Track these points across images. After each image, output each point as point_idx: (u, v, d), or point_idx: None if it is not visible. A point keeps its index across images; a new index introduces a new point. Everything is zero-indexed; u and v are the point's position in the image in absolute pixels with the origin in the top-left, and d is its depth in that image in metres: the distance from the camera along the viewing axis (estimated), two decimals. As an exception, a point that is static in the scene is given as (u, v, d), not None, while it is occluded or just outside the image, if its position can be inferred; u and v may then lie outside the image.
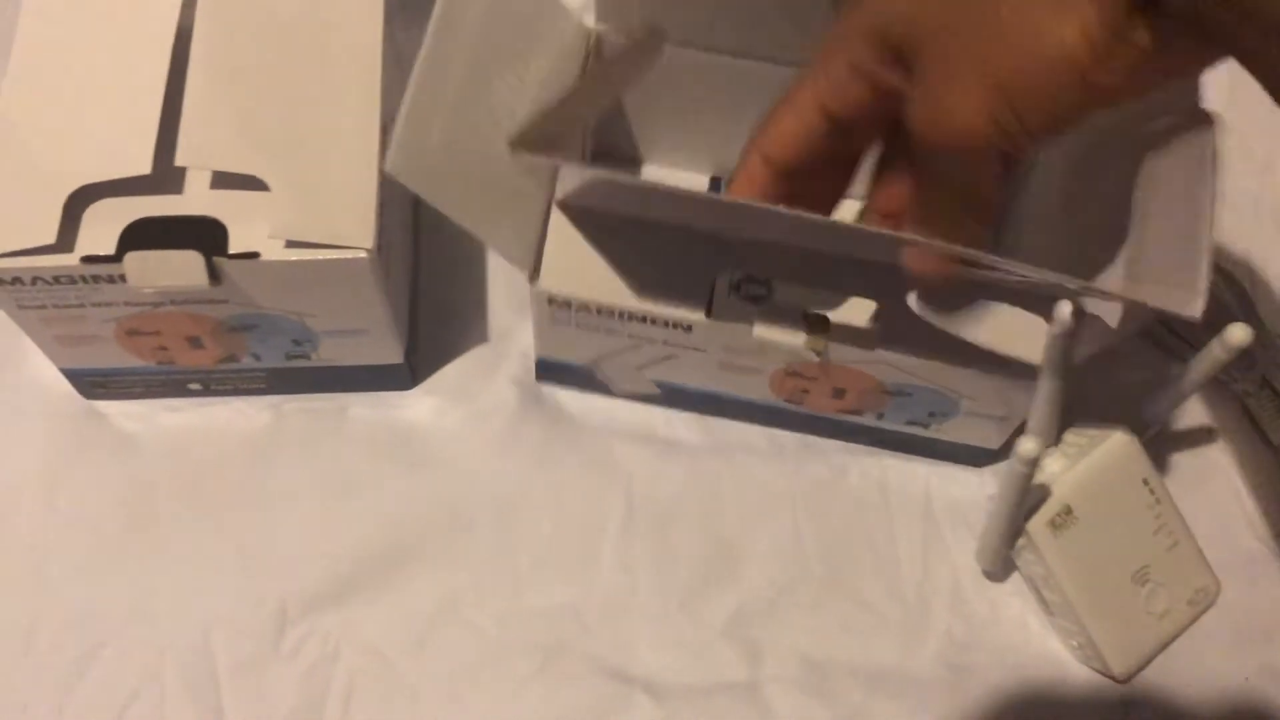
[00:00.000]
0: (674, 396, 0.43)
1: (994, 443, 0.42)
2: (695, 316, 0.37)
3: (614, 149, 0.46)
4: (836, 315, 0.36)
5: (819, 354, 0.37)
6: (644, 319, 0.37)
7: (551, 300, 0.37)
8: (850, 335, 0.36)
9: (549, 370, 0.43)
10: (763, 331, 0.37)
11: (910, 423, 0.41)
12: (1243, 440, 0.44)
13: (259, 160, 0.35)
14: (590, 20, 0.40)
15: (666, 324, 0.37)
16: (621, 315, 0.37)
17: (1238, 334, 0.34)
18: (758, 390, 0.41)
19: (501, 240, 0.35)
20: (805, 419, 0.42)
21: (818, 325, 0.36)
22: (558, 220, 0.37)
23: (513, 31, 0.37)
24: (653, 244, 0.37)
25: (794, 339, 0.37)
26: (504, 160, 0.35)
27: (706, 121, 0.43)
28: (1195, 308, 0.31)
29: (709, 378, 0.40)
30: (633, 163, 0.46)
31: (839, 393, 0.40)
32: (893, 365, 0.37)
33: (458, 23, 0.35)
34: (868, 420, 0.41)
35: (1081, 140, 0.36)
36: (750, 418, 0.43)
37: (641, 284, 0.37)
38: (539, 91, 0.37)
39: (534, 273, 0.36)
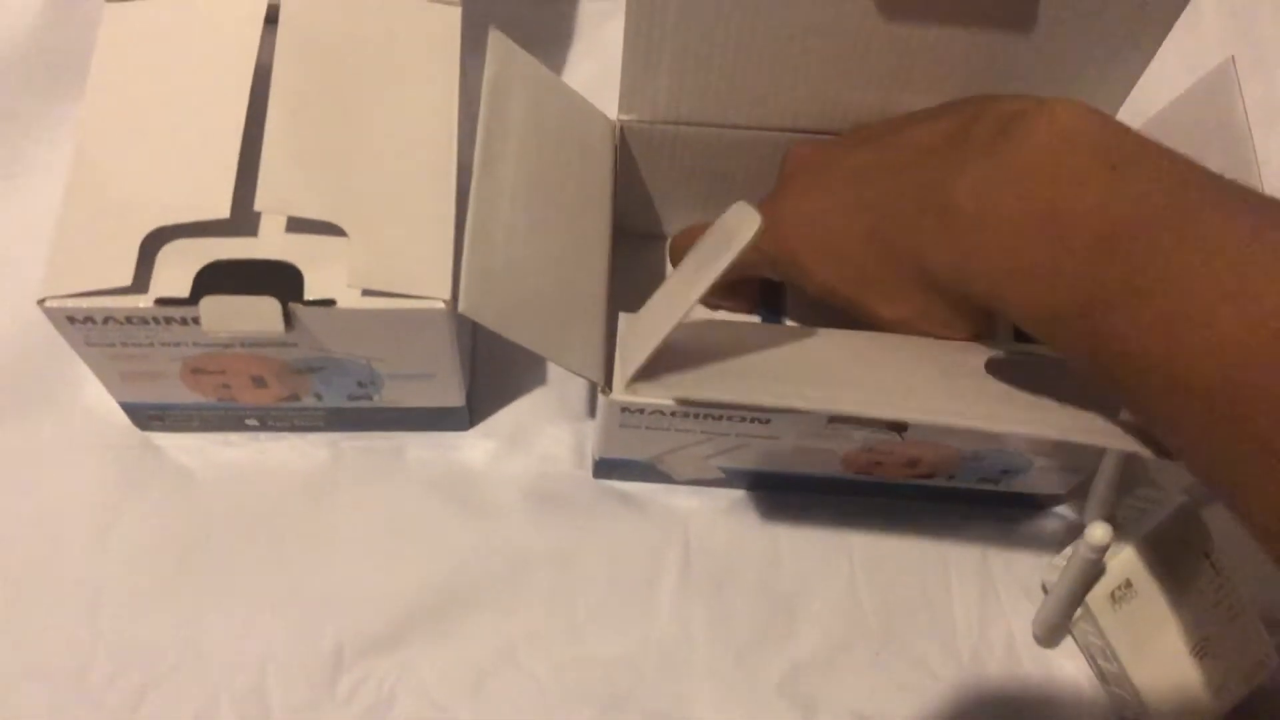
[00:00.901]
0: (738, 478, 0.42)
1: (1061, 489, 0.42)
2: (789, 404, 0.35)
3: (636, 226, 0.45)
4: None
5: (900, 432, 0.37)
6: (720, 416, 0.37)
7: (625, 409, 0.36)
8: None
9: (607, 467, 0.42)
10: (839, 423, 0.36)
11: (982, 480, 0.41)
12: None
13: (336, 207, 0.35)
14: (613, 113, 0.40)
15: (744, 419, 0.37)
16: (697, 415, 0.37)
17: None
18: (829, 467, 0.40)
19: (573, 359, 0.35)
20: (875, 486, 0.42)
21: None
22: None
23: (552, 138, 0.38)
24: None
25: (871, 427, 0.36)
26: (562, 276, 0.36)
27: (720, 189, 0.43)
28: None
29: (780, 462, 0.40)
30: (655, 238, 0.46)
31: (913, 462, 0.40)
32: (975, 434, 0.37)
33: (502, 143, 0.35)
34: (939, 482, 0.41)
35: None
36: (819, 489, 0.43)
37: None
38: (578, 192, 0.38)
39: (605, 385, 0.36)
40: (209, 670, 0.39)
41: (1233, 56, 0.38)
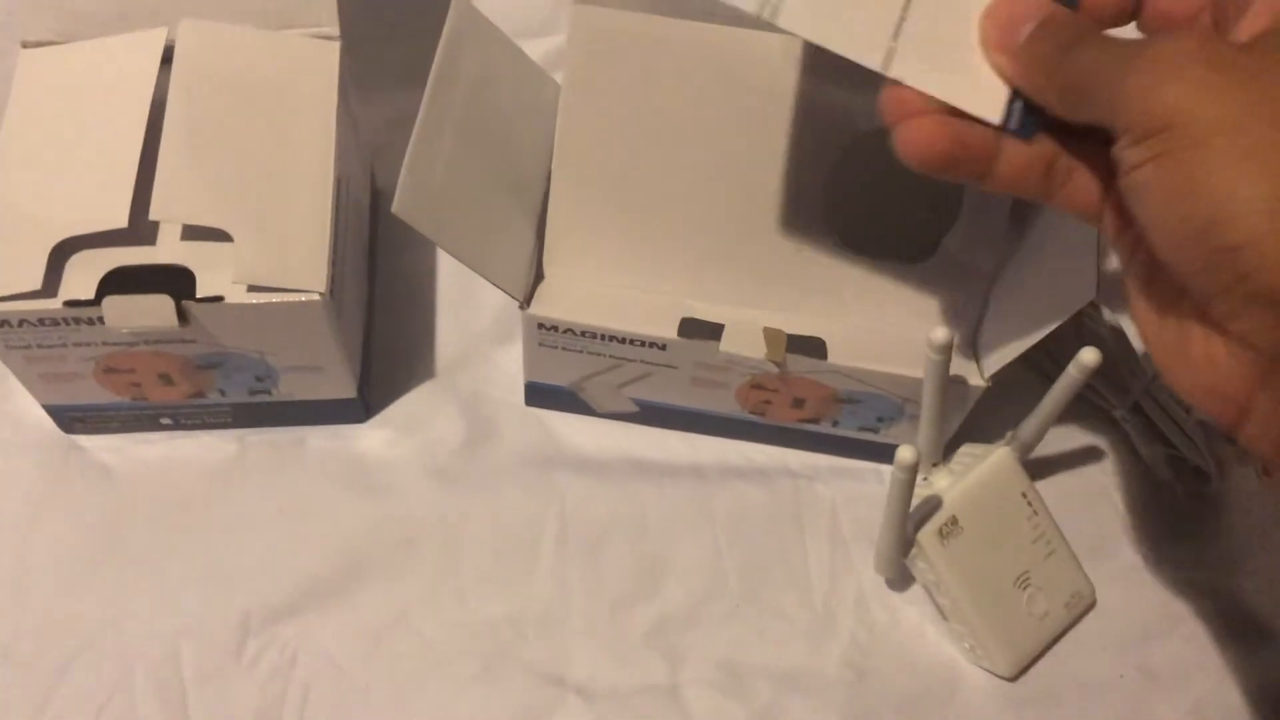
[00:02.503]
0: (651, 414, 0.47)
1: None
2: (668, 335, 0.42)
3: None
4: (792, 329, 0.42)
5: (778, 365, 0.42)
6: (623, 340, 0.42)
7: (541, 325, 0.42)
8: (805, 346, 0.41)
9: (536, 394, 0.47)
10: (727, 346, 0.41)
11: (863, 429, 0.46)
12: (1122, 462, 0.49)
13: (224, 214, 0.40)
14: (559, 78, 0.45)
15: (643, 343, 0.42)
16: (603, 337, 0.42)
17: (1088, 356, 0.39)
18: (725, 404, 0.45)
19: (495, 273, 0.40)
20: (771, 430, 0.47)
21: (775, 339, 0.41)
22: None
23: (500, 93, 0.43)
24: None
25: (755, 352, 0.41)
26: (496, 204, 0.41)
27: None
28: (1088, 294, 0.36)
29: (681, 394, 0.45)
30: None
31: (798, 402, 0.44)
32: (843, 374, 0.42)
33: (451, 87, 0.40)
34: (825, 428, 0.46)
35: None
36: (721, 432, 0.48)
37: (622, 310, 0.42)
38: (526, 146, 0.44)
39: (525, 301, 0.42)
40: (127, 643, 0.43)
41: None
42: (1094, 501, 0.48)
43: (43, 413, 0.46)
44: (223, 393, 0.45)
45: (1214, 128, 0.25)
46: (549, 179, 0.43)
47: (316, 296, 0.40)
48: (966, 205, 0.42)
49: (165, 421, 0.47)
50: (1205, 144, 0.25)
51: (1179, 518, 0.48)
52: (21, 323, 0.40)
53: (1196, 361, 0.28)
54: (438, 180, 0.38)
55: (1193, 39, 0.26)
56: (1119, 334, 0.49)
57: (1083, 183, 0.30)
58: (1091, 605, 0.45)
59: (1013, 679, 0.44)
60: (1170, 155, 0.26)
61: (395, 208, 0.36)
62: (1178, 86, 0.26)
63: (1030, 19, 0.29)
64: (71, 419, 0.46)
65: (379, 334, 0.50)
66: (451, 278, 0.51)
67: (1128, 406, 0.48)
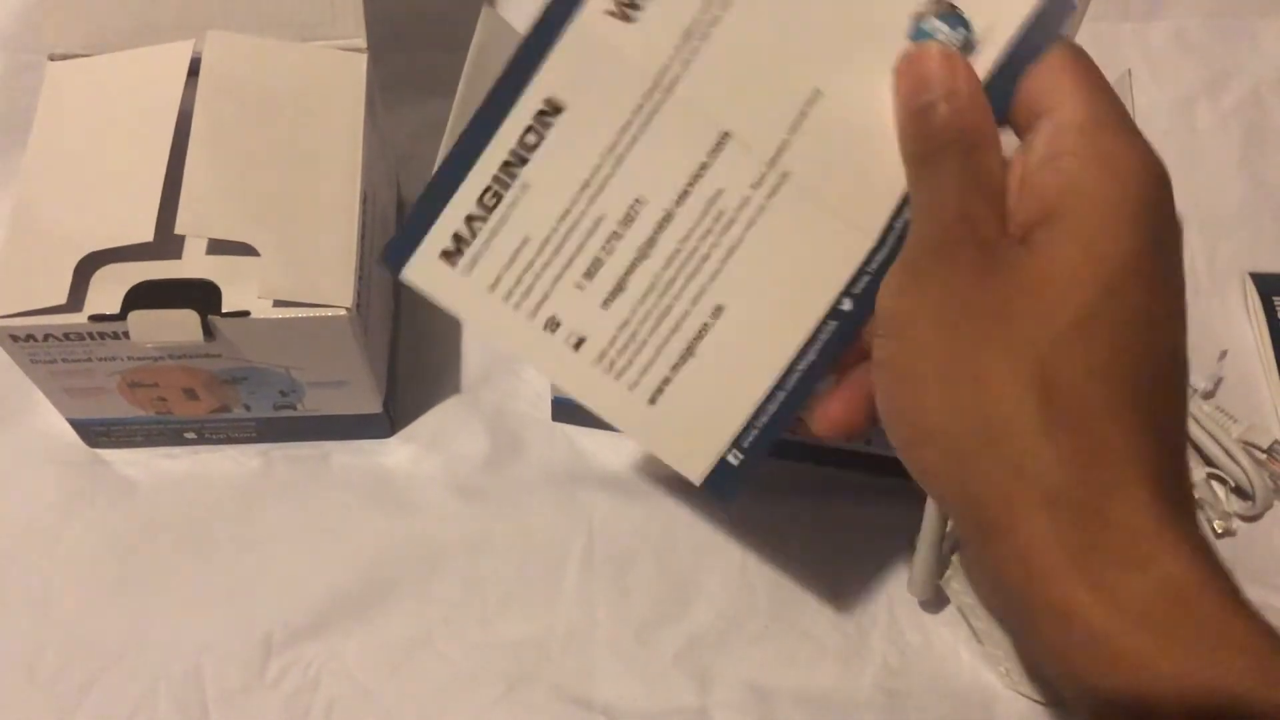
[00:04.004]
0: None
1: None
2: None
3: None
4: None
5: None
6: None
7: None
8: None
9: (563, 410, 0.47)
10: None
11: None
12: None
13: (250, 229, 0.39)
14: None
15: None
16: None
17: None
18: None
19: None
20: (800, 448, 0.46)
21: None
22: None
23: None
24: None
25: None
26: None
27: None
28: None
29: None
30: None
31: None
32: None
33: (479, 99, 0.39)
34: (858, 445, 0.45)
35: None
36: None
37: None
38: None
39: None
40: (149, 661, 0.43)
41: (1129, 70, 0.43)
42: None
43: (67, 427, 0.45)
44: (248, 407, 0.45)
45: (896, 328, 0.29)
46: None
47: (343, 311, 0.39)
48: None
49: (190, 436, 0.46)
50: (892, 340, 0.29)
51: (1220, 539, 0.46)
52: (47, 337, 0.39)
53: None
54: None
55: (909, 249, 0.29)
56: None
57: None
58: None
59: (1049, 706, 0.43)
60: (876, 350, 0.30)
61: None
62: (884, 289, 0.30)
63: None
64: (96, 433, 0.46)
65: (405, 348, 0.49)
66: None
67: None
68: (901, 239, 0.30)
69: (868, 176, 0.30)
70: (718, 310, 0.31)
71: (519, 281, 0.31)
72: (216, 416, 0.45)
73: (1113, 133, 0.28)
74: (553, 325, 0.31)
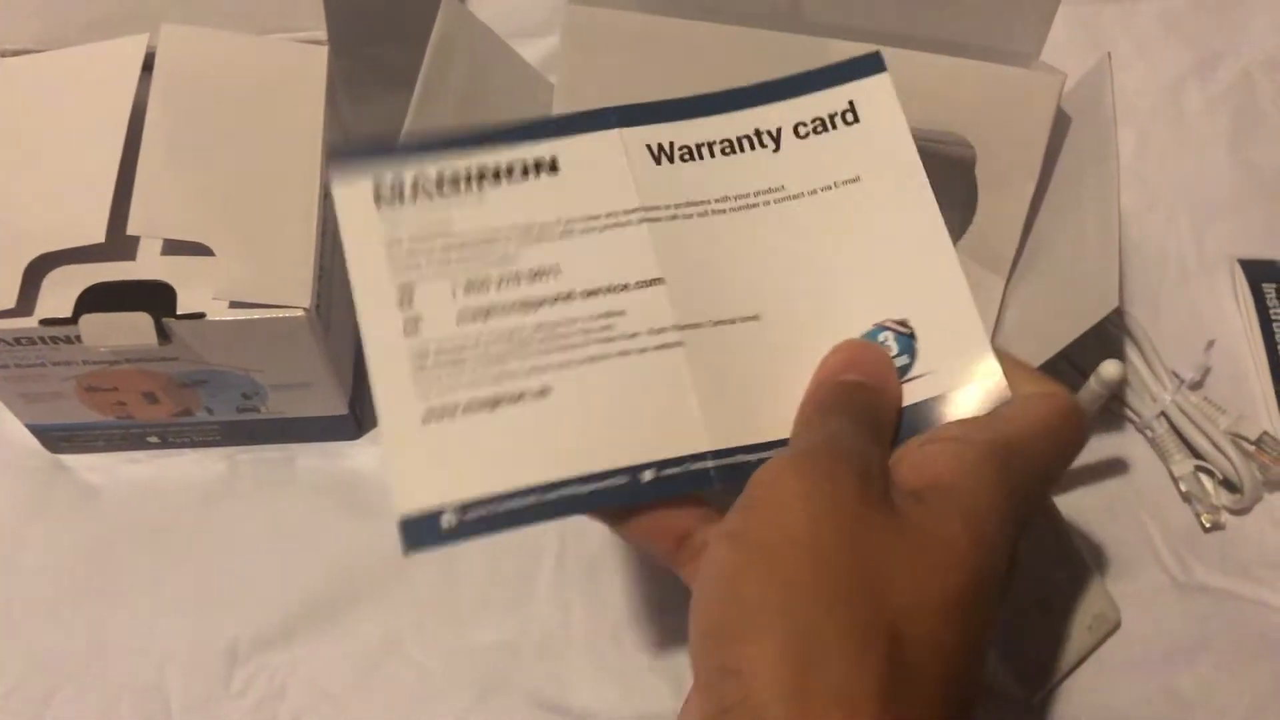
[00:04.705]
0: None
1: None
2: None
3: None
4: None
5: None
6: None
7: None
8: None
9: None
10: None
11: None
12: (1148, 475, 0.47)
13: (205, 228, 0.38)
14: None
15: None
16: None
17: (1110, 369, 0.37)
18: None
19: None
20: None
21: None
22: None
23: (493, 96, 0.41)
24: None
25: None
26: None
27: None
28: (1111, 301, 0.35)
29: None
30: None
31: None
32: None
33: (440, 92, 0.38)
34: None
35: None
36: None
37: None
38: None
39: None
40: (112, 671, 0.42)
41: (1109, 53, 0.42)
42: (1118, 517, 0.46)
43: (27, 432, 0.44)
44: (210, 410, 0.43)
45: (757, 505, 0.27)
46: None
47: (300, 312, 0.38)
48: (982, 208, 0.41)
49: (152, 440, 0.45)
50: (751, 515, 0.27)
51: (1208, 533, 0.45)
52: (-3, 342, 0.38)
53: None
54: None
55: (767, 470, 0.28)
56: (1140, 339, 0.47)
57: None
58: (1116, 627, 0.43)
59: (1033, 702, 0.42)
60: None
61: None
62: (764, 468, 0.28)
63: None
64: (57, 438, 0.45)
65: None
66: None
67: (1154, 417, 0.46)
68: (732, 472, 0.30)
69: (744, 400, 0.30)
70: (544, 391, 0.30)
71: (412, 254, 0.30)
72: (179, 420, 0.44)
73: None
74: (406, 296, 0.30)
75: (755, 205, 0.32)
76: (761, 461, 0.29)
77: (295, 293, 0.38)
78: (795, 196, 0.32)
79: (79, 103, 0.41)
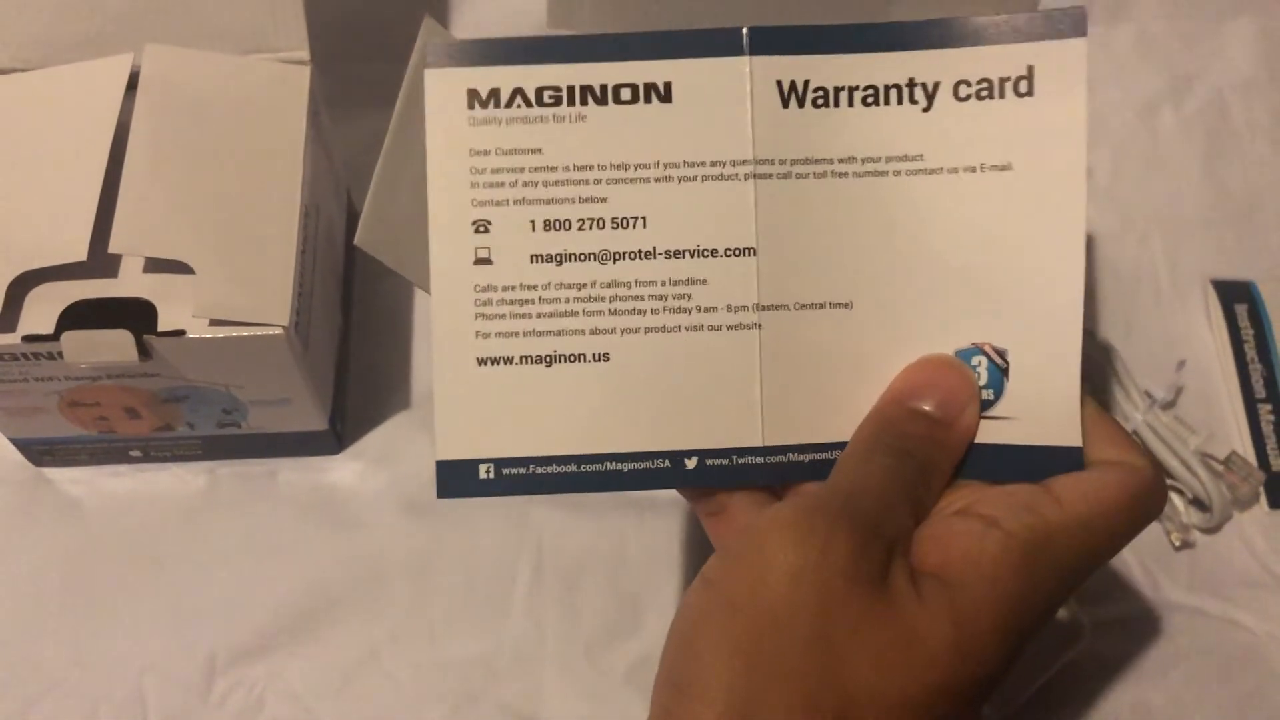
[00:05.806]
0: None
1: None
2: None
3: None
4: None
5: None
6: None
7: None
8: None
9: None
10: None
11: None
12: (1119, 493, 0.47)
13: (186, 246, 0.39)
14: None
15: None
16: None
17: None
18: None
19: None
20: None
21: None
22: None
23: None
24: None
25: None
26: None
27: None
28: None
29: None
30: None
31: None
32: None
33: (418, 113, 0.38)
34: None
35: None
36: None
37: None
38: None
39: None
40: (90, 683, 0.42)
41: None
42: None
43: (10, 445, 0.45)
44: (191, 425, 0.44)
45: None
46: None
47: (278, 330, 0.39)
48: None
49: (135, 454, 0.46)
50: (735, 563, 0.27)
51: (1178, 551, 0.46)
52: (-21, 358, 0.39)
53: None
54: (404, 210, 0.37)
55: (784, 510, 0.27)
56: (1113, 359, 0.47)
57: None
58: (1082, 640, 0.43)
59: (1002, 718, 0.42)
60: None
61: (358, 239, 0.35)
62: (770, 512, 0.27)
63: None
64: (39, 452, 0.45)
65: (356, 363, 0.49)
66: (429, 305, 0.50)
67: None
68: (780, 471, 0.29)
69: (811, 396, 0.29)
70: (603, 355, 0.29)
71: (496, 172, 0.28)
72: (161, 435, 0.44)
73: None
74: (482, 225, 0.28)
75: (884, 174, 0.28)
76: (813, 464, 0.28)
77: (274, 311, 0.39)
78: (932, 172, 0.28)
79: (63, 122, 0.41)
